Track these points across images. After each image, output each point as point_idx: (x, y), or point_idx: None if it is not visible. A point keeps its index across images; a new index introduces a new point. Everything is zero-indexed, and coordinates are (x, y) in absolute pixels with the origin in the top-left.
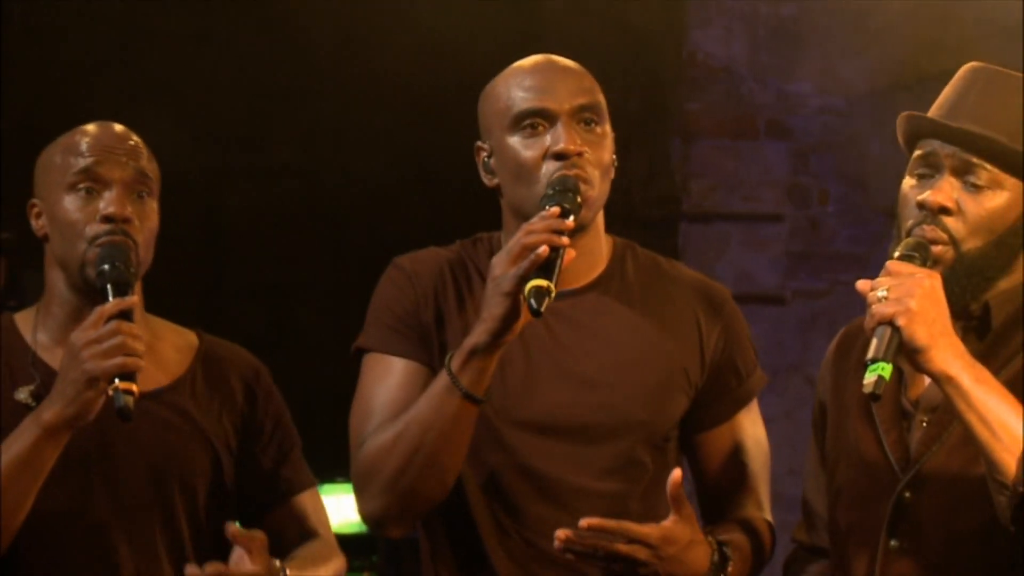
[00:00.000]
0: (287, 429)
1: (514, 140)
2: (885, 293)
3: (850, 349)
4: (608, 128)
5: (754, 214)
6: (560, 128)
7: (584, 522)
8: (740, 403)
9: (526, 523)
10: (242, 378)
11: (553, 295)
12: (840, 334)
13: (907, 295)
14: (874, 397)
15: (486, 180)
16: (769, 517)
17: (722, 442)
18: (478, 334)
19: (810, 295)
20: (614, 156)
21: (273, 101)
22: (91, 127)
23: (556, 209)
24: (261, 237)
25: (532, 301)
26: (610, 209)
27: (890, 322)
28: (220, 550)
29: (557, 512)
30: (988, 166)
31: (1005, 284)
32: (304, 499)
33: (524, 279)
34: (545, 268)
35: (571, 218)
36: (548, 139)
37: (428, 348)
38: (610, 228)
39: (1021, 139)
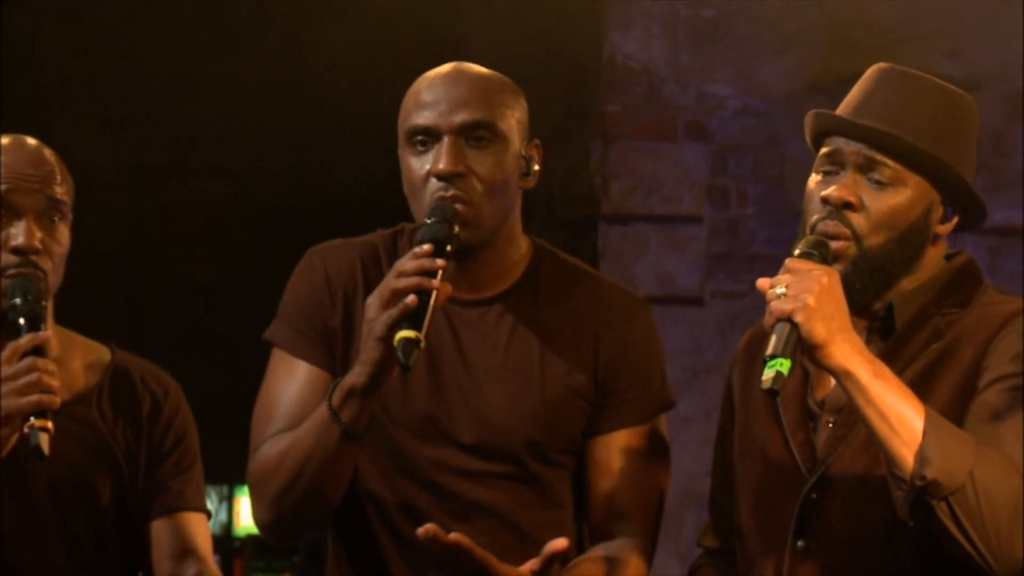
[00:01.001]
0: (189, 448)
1: (407, 155)
2: (784, 290)
3: (758, 350)
4: (510, 142)
5: (673, 215)
6: (442, 146)
7: (422, 530)
8: (629, 418)
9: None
10: (151, 394)
11: (423, 345)
12: (747, 335)
13: (805, 291)
14: (772, 393)
15: (405, 189)
16: (647, 539)
17: (607, 453)
18: (356, 375)
19: (729, 296)
20: (529, 168)
21: (198, 100)
22: (3, 147)
23: (428, 247)
24: (185, 237)
25: (400, 355)
26: (531, 210)
27: (788, 319)
28: (127, 561)
29: (455, 525)
30: (892, 163)
31: (909, 284)
32: (190, 519)
33: (394, 327)
34: (415, 316)
35: (448, 248)
36: (432, 157)
37: (332, 354)
38: (530, 228)
39: (925, 137)
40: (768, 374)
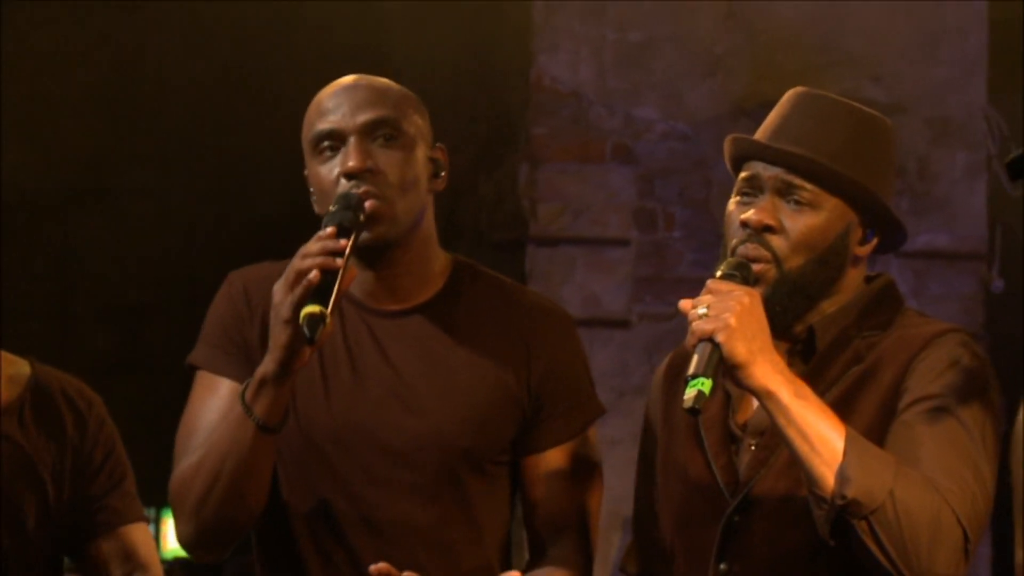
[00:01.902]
0: (119, 460)
1: (315, 164)
2: (705, 310)
3: (679, 372)
4: (415, 142)
5: (600, 238)
6: (349, 146)
7: (374, 568)
8: (564, 433)
9: (350, 548)
10: (73, 408)
11: (329, 321)
12: (668, 357)
13: (726, 311)
14: (694, 412)
15: (315, 208)
16: (585, 554)
17: (543, 470)
18: (266, 363)
19: (656, 318)
20: (438, 171)
21: (127, 122)
22: None
23: (332, 229)
24: (112, 259)
25: (306, 329)
26: (459, 232)
27: (710, 338)
28: None
29: (379, 539)
30: (809, 186)
31: (829, 307)
32: (132, 531)
33: (299, 306)
34: (319, 293)
35: (351, 236)
36: (340, 158)
37: (252, 368)
38: (458, 251)
39: (842, 159)
40: (690, 393)
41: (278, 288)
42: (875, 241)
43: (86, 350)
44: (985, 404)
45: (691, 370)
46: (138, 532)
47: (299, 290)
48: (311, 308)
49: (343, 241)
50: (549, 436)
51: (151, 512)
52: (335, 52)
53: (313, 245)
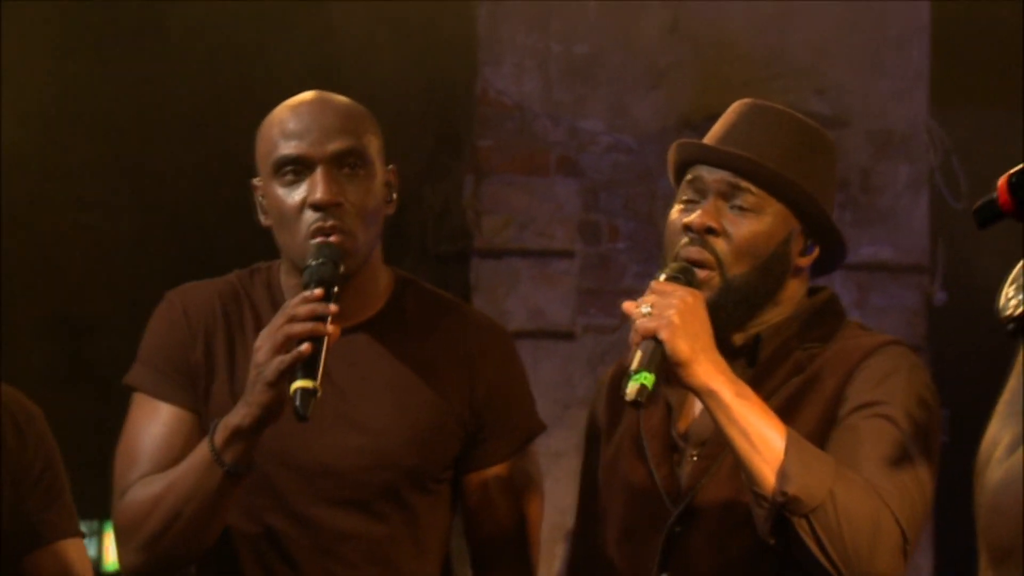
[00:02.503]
0: (57, 474)
1: (277, 186)
2: (649, 309)
3: (622, 384)
4: (376, 169)
5: (545, 250)
6: (318, 176)
7: None
8: (505, 451)
9: (293, 565)
10: (13, 420)
11: (319, 394)
12: (611, 369)
13: (669, 309)
14: (636, 405)
15: (261, 219)
16: (529, 567)
17: (484, 487)
18: (242, 416)
19: (600, 331)
20: (391, 194)
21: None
22: None
23: (319, 291)
24: (54, 271)
25: (299, 406)
26: (405, 244)
27: (653, 336)
28: None
29: (323, 556)
30: (754, 189)
31: (774, 317)
32: (68, 546)
33: (287, 374)
34: (309, 364)
35: (335, 289)
36: (307, 187)
37: (195, 392)
38: (403, 263)
39: (787, 166)
40: (632, 387)
41: (263, 346)
42: (816, 253)
43: (26, 362)
44: (924, 412)
45: (633, 366)
46: (74, 547)
47: (288, 359)
48: (303, 383)
49: (333, 306)
50: (490, 454)
51: (93, 525)
52: (283, 67)
53: (302, 308)
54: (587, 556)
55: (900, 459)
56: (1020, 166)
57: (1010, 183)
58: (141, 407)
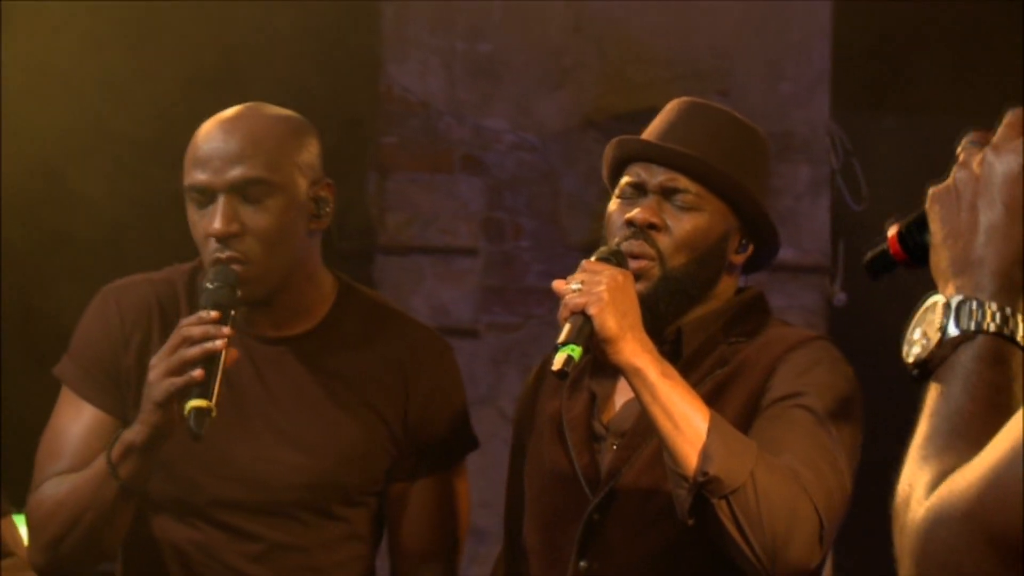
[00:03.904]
0: None
1: (191, 208)
2: (579, 286)
3: (546, 376)
4: (292, 190)
5: (449, 248)
6: (217, 207)
7: None
8: (436, 466)
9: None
10: None
11: (214, 414)
12: (538, 363)
13: (599, 286)
14: (562, 375)
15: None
16: None
17: (412, 500)
18: (135, 432)
19: (503, 328)
20: (320, 210)
21: None
22: None
23: (216, 314)
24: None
25: (192, 425)
26: None
27: (582, 312)
28: None
29: (254, 566)
30: (694, 187)
31: (700, 311)
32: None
33: (177, 396)
34: (204, 384)
35: (232, 312)
36: (210, 215)
37: (121, 397)
38: None
39: (727, 163)
40: (559, 357)
41: (157, 365)
42: (750, 250)
43: None
44: (846, 404)
45: (561, 339)
46: (6, 526)
47: (179, 381)
48: (197, 403)
49: (227, 329)
50: (421, 468)
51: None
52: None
53: (196, 329)
54: (513, 548)
55: (820, 449)
56: (908, 217)
57: (900, 235)
58: (67, 402)
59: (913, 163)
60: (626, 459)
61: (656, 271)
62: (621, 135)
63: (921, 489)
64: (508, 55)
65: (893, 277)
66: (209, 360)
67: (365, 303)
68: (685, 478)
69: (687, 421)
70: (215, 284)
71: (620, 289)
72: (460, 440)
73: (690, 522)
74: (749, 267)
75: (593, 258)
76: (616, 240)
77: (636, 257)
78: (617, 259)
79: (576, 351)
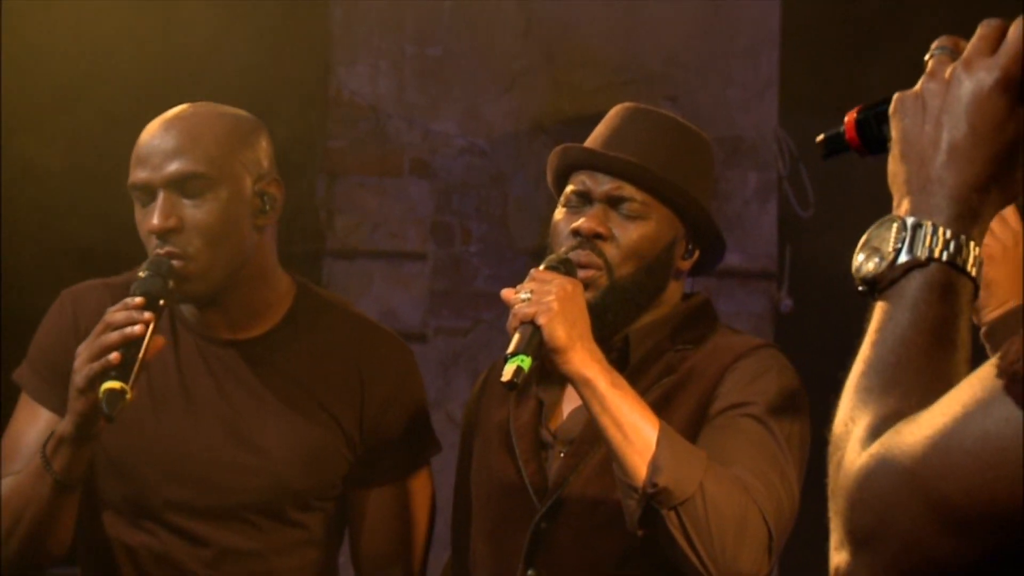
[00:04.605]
0: None
1: (136, 208)
2: (528, 295)
3: (495, 384)
4: (234, 185)
5: (398, 251)
6: (156, 203)
7: None
8: (394, 471)
9: None
10: None
11: (129, 396)
12: (486, 370)
13: (548, 295)
14: (511, 386)
15: None
16: None
17: (372, 506)
18: (66, 424)
19: (452, 333)
20: (265, 206)
21: None
22: None
23: (140, 300)
24: None
25: (104, 406)
26: None
27: (532, 322)
28: None
29: (205, 567)
30: (640, 196)
31: (648, 318)
32: None
33: (96, 380)
34: (123, 367)
35: (161, 302)
36: (150, 212)
37: None
38: None
39: (672, 170)
40: (508, 368)
41: (80, 353)
42: (696, 255)
43: None
44: (794, 413)
45: (510, 349)
46: None
47: (97, 366)
48: (110, 384)
49: (148, 314)
50: (379, 474)
51: None
52: (130, 60)
53: (119, 314)
54: (461, 556)
55: (768, 458)
56: (868, 104)
57: (857, 121)
58: (24, 406)
59: (860, 169)
60: (574, 467)
61: (604, 280)
62: (567, 141)
63: (862, 429)
64: (457, 59)
65: (838, 284)
66: (130, 345)
67: (323, 306)
68: (634, 489)
69: (636, 432)
70: (146, 273)
71: (569, 299)
72: (420, 444)
73: (639, 533)
74: (695, 271)
75: (542, 266)
76: (563, 249)
77: (584, 266)
78: (566, 268)
79: (526, 362)
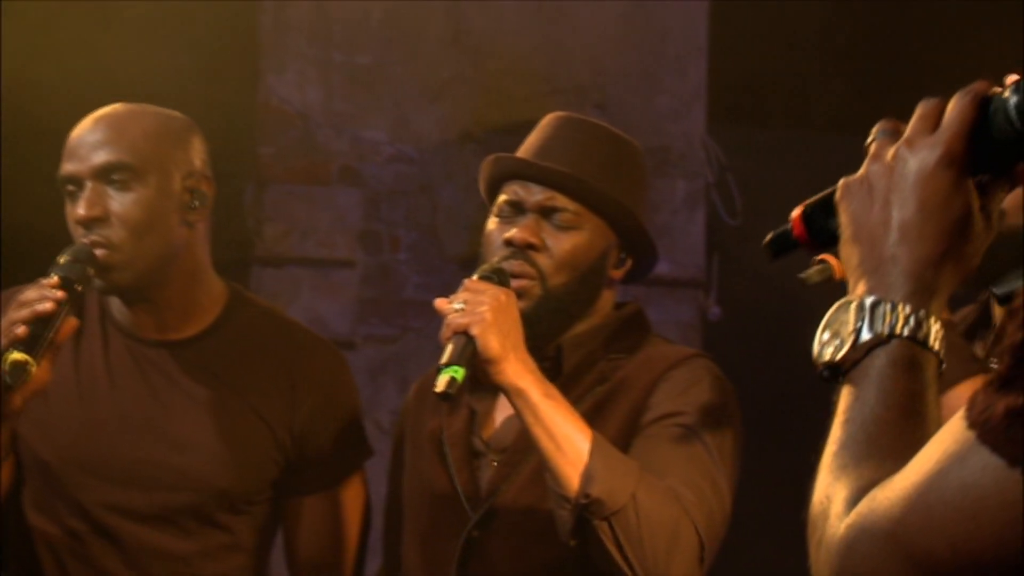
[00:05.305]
0: None
1: (66, 201)
2: (461, 305)
3: (427, 393)
4: (157, 182)
5: (326, 259)
6: (84, 193)
7: None
8: (325, 479)
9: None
10: None
11: (32, 369)
12: (420, 379)
13: (482, 306)
14: (445, 396)
15: None
16: None
17: (304, 514)
18: None
19: (381, 341)
20: (193, 202)
21: None
22: None
23: (55, 279)
24: None
25: (7, 376)
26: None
27: (465, 332)
28: None
29: (129, 571)
30: (572, 206)
31: (580, 328)
32: None
33: (3, 353)
34: (31, 341)
35: (77, 286)
36: (77, 203)
37: None
38: None
39: (604, 180)
40: (442, 379)
41: None
42: (628, 264)
43: None
44: (725, 423)
45: (444, 360)
46: None
47: (4, 341)
48: (15, 355)
49: (59, 293)
50: (312, 480)
51: None
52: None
53: (32, 293)
54: (392, 559)
55: (699, 468)
56: (812, 199)
57: (804, 216)
58: None
59: (787, 177)
60: (506, 476)
61: (537, 290)
62: (498, 150)
63: (840, 504)
64: (386, 67)
65: (766, 291)
66: (39, 321)
67: (256, 312)
68: (567, 499)
69: (569, 442)
70: (65, 256)
71: (503, 309)
72: (352, 451)
73: (572, 543)
74: (626, 279)
75: (475, 276)
76: (496, 259)
77: (517, 276)
78: (499, 277)
79: (459, 372)
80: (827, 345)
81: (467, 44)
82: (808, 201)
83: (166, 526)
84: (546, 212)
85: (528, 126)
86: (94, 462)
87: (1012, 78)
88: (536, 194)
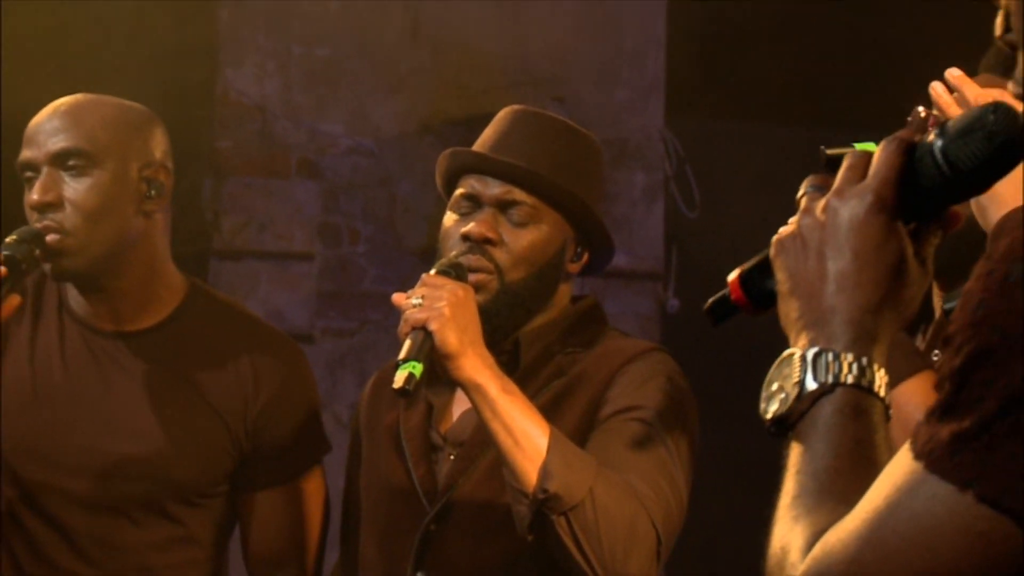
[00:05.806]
0: None
1: (25, 189)
2: (419, 301)
3: (384, 386)
4: (112, 169)
5: (285, 252)
6: (39, 179)
7: None
8: (281, 474)
9: (52, 567)
10: None
11: None
12: (377, 372)
13: (440, 301)
14: (403, 393)
15: None
16: None
17: (260, 509)
18: None
19: (339, 334)
20: (149, 191)
21: None
22: None
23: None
24: None
25: None
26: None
27: (423, 327)
28: None
29: (78, 562)
30: (529, 200)
31: (537, 321)
32: None
33: None
34: None
35: (23, 267)
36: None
37: None
38: None
39: (561, 174)
40: (400, 375)
41: None
42: (585, 258)
43: None
44: (682, 418)
45: (402, 355)
46: None
47: None
48: None
49: (2, 269)
50: (269, 474)
51: None
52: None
53: None
54: (349, 559)
55: (658, 464)
56: (748, 263)
57: (741, 279)
58: None
59: (745, 169)
60: (464, 470)
61: (495, 284)
62: (457, 143)
63: (795, 552)
64: (344, 60)
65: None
66: None
67: (214, 304)
68: (525, 494)
69: (527, 437)
70: (13, 238)
71: (461, 304)
72: (309, 445)
73: (529, 538)
74: (583, 272)
75: (433, 271)
76: (454, 253)
77: (474, 270)
78: (457, 272)
79: (417, 368)
80: (772, 400)
81: (425, 37)
82: (743, 266)
83: (117, 516)
84: (503, 206)
85: (486, 119)
86: (45, 449)
87: (921, 111)
88: (493, 188)
